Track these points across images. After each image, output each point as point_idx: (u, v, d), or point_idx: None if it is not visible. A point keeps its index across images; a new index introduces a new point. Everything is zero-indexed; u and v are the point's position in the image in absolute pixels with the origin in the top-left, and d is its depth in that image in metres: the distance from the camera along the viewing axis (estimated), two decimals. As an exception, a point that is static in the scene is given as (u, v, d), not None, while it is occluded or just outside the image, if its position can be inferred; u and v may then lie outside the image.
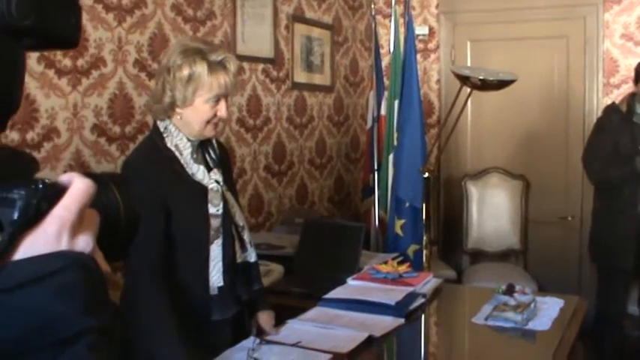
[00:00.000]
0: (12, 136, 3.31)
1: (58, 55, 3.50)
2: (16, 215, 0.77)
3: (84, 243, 0.79)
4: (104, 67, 3.75)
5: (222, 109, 2.56)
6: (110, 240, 0.86)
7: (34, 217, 0.78)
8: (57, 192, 0.80)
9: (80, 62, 3.61)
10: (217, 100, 2.54)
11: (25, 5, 0.81)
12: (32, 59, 3.39)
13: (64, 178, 0.82)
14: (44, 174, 3.35)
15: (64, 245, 0.78)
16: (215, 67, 2.52)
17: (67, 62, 3.55)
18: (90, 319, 0.75)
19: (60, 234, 0.77)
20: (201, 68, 2.50)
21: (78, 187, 0.80)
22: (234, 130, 4.81)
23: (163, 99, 2.54)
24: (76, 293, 0.75)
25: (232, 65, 2.57)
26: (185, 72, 2.50)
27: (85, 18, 3.63)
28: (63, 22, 0.87)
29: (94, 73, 3.70)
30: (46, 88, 3.45)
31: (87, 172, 0.86)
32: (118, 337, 0.80)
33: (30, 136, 3.39)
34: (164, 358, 2.40)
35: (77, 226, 0.79)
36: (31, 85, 3.38)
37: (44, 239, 0.77)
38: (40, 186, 0.79)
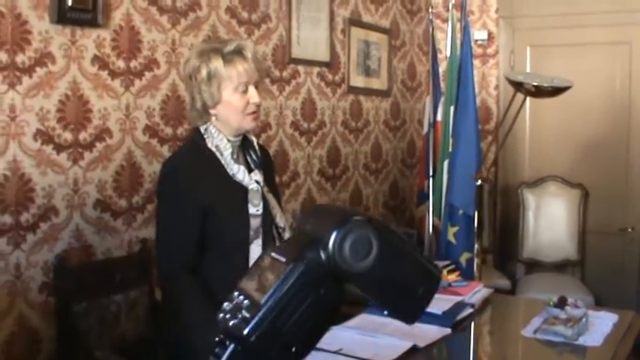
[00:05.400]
0: (65, 135, 3.34)
1: (112, 56, 3.53)
2: None
3: None
4: (157, 68, 3.78)
5: (253, 96, 2.56)
6: None
7: None
8: None
9: (133, 64, 3.64)
10: (245, 89, 2.54)
11: None
12: (86, 60, 3.43)
13: None
14: (95, 174, 3.39)
15: None
16: (230, 57, 2.53)
17: (121, 63, 3.58)
18: None
19: None
20: (216, 63, 2.51)
21: None
22: (288, 133, 4.80)
23: (195, 105, 2.57)
24: None
25: (249, 51, 2.57)
26: (204, 72, 2.52)
27: (139, 20, 3.66)
28: None
29: (147, 75, 3.72)
30: (100, 88, 3.48)
31: None
32: None
33: (82, 136, 3.43)
34: (211, 345, 2.41)
35: None
36: (84, 85, 3.42)
37: None
38: None
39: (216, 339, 1.27)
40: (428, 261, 1.37)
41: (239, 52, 2.55)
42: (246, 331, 1.18)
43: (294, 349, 1.21)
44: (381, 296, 1.31)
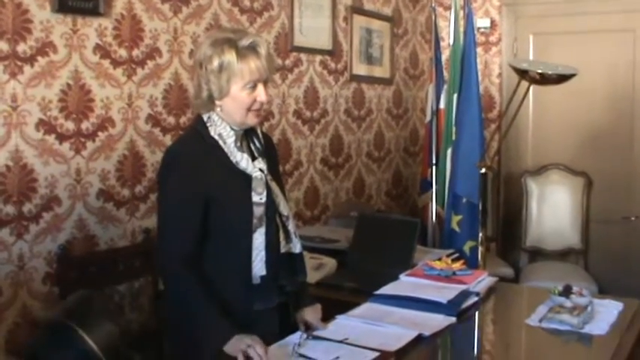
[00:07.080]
0: (67, 125, 3.33)
1: (114, 45, 3.51)
2: None
3: None
4: (159, 57, 3.76)
5: (260, 94, 2.52)
6: None
7: None
8: None
9: (135, 52, 3.62)
10: (254, 86, 2.51)
11: None
12: (88, 49, 3.41)
13: None
14: (98, 164, 3.38)
15: None
16: (244, 52, 2.48)
17: (123, 52, 3.56)
18: None
19: None
20: (230, 56, 2.46)
21: None
22: (291, 122, 4.79)
23: (201, 94, 2.53)
24: None
25: (263, 48, 2.52)
26: (215, 63, 2.47)
27: (141, 8, 3.64)
28: None
29: (150, 64, 3.71)
30: (102, 78, 3.47)
31: None
32: None
33: (85, 125, 3.41)
34: (210, 340, 2.40)
35: None
36: (86, 74, 3.40)
37: None
38: None
39: None
40: None
41: (253, 48, 2.50)
42: None
43: None
44: None
